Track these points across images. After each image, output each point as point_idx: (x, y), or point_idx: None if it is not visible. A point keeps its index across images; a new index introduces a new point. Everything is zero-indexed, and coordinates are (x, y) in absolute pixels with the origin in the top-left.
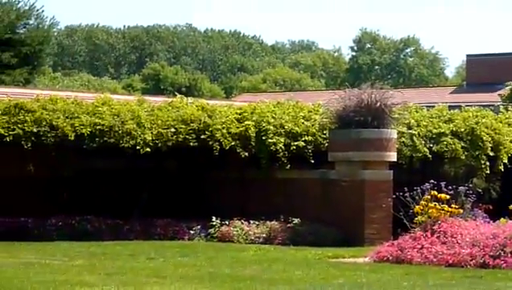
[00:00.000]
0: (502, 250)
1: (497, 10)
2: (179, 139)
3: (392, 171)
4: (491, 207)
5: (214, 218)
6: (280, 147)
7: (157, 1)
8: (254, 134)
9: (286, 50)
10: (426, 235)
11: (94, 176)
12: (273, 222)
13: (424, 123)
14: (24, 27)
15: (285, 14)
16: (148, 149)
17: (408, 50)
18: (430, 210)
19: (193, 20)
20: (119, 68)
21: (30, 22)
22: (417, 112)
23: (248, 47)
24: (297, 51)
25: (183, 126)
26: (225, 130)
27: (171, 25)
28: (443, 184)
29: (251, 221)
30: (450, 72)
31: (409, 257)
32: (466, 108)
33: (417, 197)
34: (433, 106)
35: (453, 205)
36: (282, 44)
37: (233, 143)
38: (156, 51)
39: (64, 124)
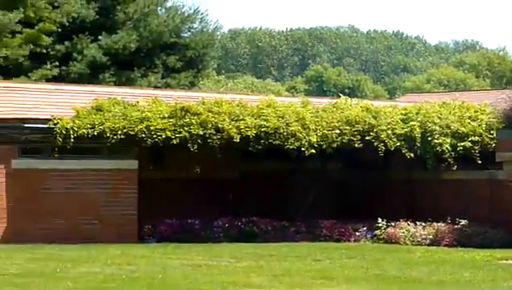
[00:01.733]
0: None
1: None
2: (344, 141)
3: None
4: None
5: (380, 220)
6: (446, 148)
7: (319, 2)
8: (420, 135)
9: (449, 50)
10: None
11: (259, 177)
12: (440, 224)
13: None
14: (189, 31)
15: (448, 13)
16: (313, 151)
17: None
18: None
19: (355, 21)
20: (282, 70)
21: (195, 25)
22: None
23: (411, 48)
24: (461, 51)
25: (347, 128)
26: (389, 131)
27: (333, 26)
28: None
29: (417, 223)
30: None
31: None
32: None
33: None
34: None
35: None
36: (445, 44)
37: (398, 144)
38: (319, 52)
39: (230, 126)
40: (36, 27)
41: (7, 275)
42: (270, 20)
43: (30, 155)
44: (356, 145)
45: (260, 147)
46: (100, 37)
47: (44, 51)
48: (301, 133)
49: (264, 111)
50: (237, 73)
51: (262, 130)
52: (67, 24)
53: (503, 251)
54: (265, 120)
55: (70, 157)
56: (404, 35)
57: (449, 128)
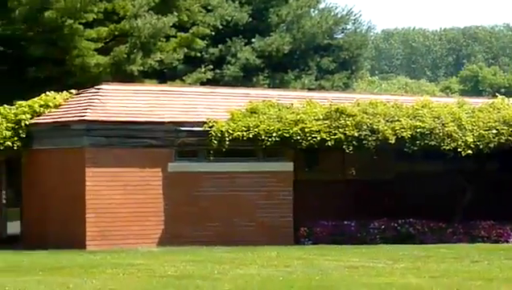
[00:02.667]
0: None
1: None
2: (501, 141)
3: None
4: None
5: None
6: None
7: (474, 1)
8: None
9: None
10: None
11: (415, 178)
12: None
13: None
14: (342, 32)
15: None
16: (470, 151)
17: None
18: None
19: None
20: (436, 70)
21: (348, 26)
22: None
23: None
24: None
25: (505, 128)
26: None
27: (488, 25)
28: None
29: None
30: None
31: None
32: None
33: None
34: None
35: None
36: None
37: None
38: (474, 52)
39: (385, 127)
40: (190, 31)
41: (166, 277)
42: (423, 20)
43: (186, 158)
44: None
45: (415, 148)
46: (253, 40)
47: (198, 54)
48: (457, 133)
49: (419, 112)
50: (390, 74)
51: (418, 130)
52: (220, 27)
53: None
54: (420, 121)
55: (225, 160)
56: None
57: None
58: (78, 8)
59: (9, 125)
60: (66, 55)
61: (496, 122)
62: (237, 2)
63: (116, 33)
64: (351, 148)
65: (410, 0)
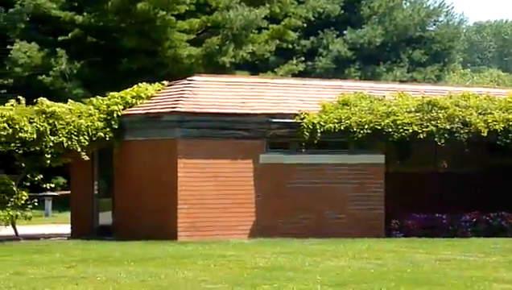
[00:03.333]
0: None
1: None
2: None
3: None
4: None
5: None
6: None
7: None
8: None
9: None
10: None
11: (507, 171)
12: None
13: None
14: (434, 25)
15: None
16: None
17: None
18: None
19: None
20: None
21: (440, 19)
22: None
23: None
24: None
25: None
26: None
27: None
28: None
29: None
30: None
31: None
32: None
33: None
34: None
35: None
36: None
37: None
38: None
39: (477, 120)
40: (282, 23)
41: (257, 269)
42: None
43: (278, 150)
44: None
45: (508, 141)
46: (345, 32)
47: (290, 46)
48: None
49: None
50: (482, 67)
51: (511, 123)
52: (312, 19)
53: None
54: None
55: (317, 152)
56: None
57: None
58: (170, 0)
59: (101, 116)
60: (158, 47)
61: None
62: None
63: (208, 24)
64: (443, 141)
65: None
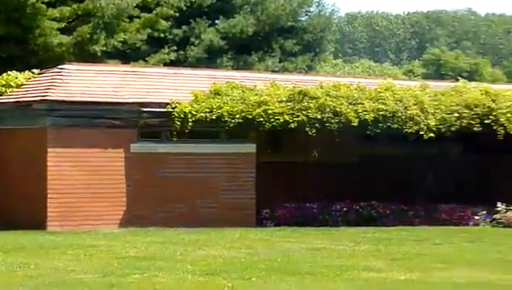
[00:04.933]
0: None
1: None
2: (463, 124)
3: None
4: None
5: (499, 204)
6: None
7: None
8: None
9: None
10: None
11: (377, 161)
12: None
13: None
14: (306, 15)
15: None
16: (432, 134)
17: None
18: None
19: (474, 4)
20: (399, 53)
21: (312, 9)
22: None
23: None
24: None
25: (466, 111)
26: (509, 114)
27: (451, 10)
28: None
29: None
30: None
31: None
32: None
33: None
34: None
35: None
36: None
37: None
38: (437, 36)
39: (348, 110)
40: (154, 12)
41: (127, 258)
42: (387, 4)
43: (149, 139)
44: (475, 129)
45: (378, 131)
46: (217, 21)
47: (162, 35)
48: (419, 116)
49: (382, 95)
50: (354, 57)
51: (381, 113)
52: (184, 8)
53: None
54: (383, 103)
55: (188, 141)
56: None
57: None
58: None
59: None
60: (29, 35)
61: (458, 105)
62: None
63: (79, 13)
64: (314, 131)
65: None
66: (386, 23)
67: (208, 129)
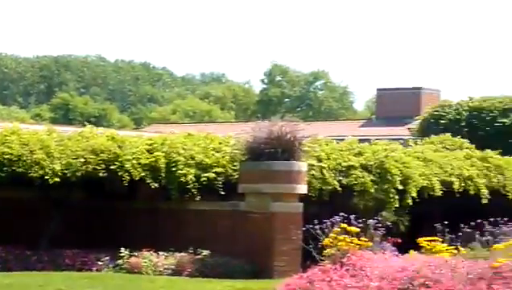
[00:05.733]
0: (411, 283)
1: (403, 43)
2: (89, 169)
3: (302, 204)
4: (400, 240)
5: (123, 249)
6: (190, 179)
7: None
8: (164, 165)
9: (196, 81)
10: (335, 268)
11: (2, 205)
12: (182, 254)
13: (334, 156)
14: None
15: (195, 45)
16: (57, 179)
17: (318, 83)
18: (339, 243)
19: (103, 51)
20: (28, 97)
21: None
22: (327, 145)
23: (158, 78)
24: (207, 83)
25: (92, 157)
26: (134, 161)
27: (81, 55)
28: (352, 217)
29: (160, 253)
30: (359, 106)
31: (318, 289)
32: (376, 141)
33: (326, 230)
34: (343, 139)
35: (362, 238)
36: (192, 76)
37: (142, 174)
38: (66, 80)
39: None
40: None
41: None
42: (16, 46)
43: None
44: (100, 174)
45: (3, 175)
46: None
47: None
48: (45, 161)
49: (8, 138)
50: None
51: (6, 157)
52: None
53: (244, 282)
54: (8, 147)
55: None
56: (151, 66)
57: (193, 159)
58: None
59: None
60: None
61: (84, 150)
62: None
63: None
64: None
65: (3, 26)
66: (14, 66)
67: None
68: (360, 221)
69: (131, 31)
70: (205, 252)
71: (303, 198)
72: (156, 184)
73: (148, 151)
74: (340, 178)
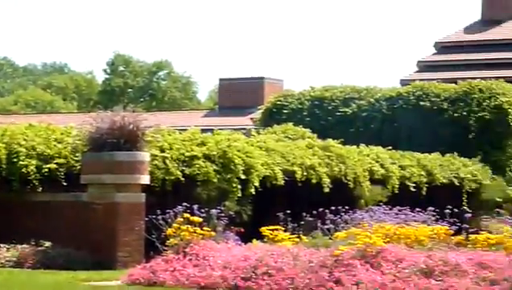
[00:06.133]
0: (253, 272)
1: (246, 33)
2: None
3: (145, 194)
4: (243, 230)
5: None
6: (32, 170)
7: None
8: (5, 157)
9: (38, 71)
10: (178, 258)
11: None
12: (23, 246)
13: (177, 146)
14: None
15: (37, 35)
16: None
17: (161, 73)
18: (182, 233)
19: None
20: None
21: None
22: (170, 135)
23: None
24: (49, 73)
25: None
26: None
27: None
28: (195, 206)
29: (1, 245)
30: (203, 96)
31: (161, 279)
32: (218, 131)
33: (170, 220)
34: (186, 129)
35: (205, 228)
36: (34, 66)
37: None
38: None
39: None
40: None
41: None
42: None
43: None
44: None
45: None
46: None
47: None
48: None
49: None
50: None
51: None
52: None
53: (87, 273)
54: None
55: None
56: None
57: (35, 150)
58: None
59: None
60: None
61: None
62: None
63: None
64: None
65: None
66: None
67: None
68: (203, 210)
69: None
70: (47, 244)
71: (145, 188)
72: None
73: None
74: (183, 168)
